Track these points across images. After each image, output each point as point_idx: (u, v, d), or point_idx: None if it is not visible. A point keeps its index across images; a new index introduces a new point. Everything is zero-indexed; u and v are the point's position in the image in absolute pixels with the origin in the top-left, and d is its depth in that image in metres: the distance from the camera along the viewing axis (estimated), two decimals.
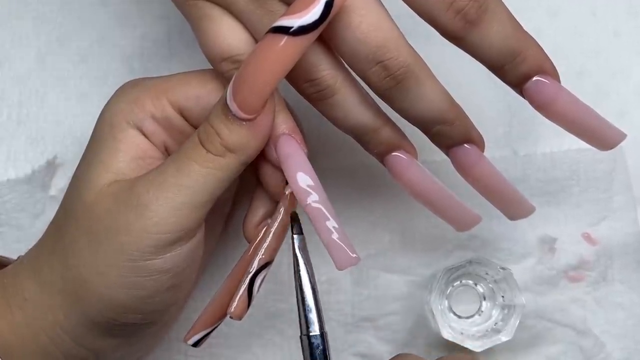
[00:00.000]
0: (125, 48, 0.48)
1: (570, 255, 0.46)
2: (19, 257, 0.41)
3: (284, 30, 0.33)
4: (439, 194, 0.40)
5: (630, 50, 0.48)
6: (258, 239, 0.39)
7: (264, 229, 0.39)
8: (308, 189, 0.36)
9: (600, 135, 0.39)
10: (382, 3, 0.36)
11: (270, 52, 0.34)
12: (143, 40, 0.48)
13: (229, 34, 0.36)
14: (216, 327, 0.39)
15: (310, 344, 0.36)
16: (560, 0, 0.48)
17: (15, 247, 0.46)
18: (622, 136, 0.39)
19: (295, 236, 0.37)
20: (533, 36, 0.48)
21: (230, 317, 0.38)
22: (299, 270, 0.37)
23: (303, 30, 0.33)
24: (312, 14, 0.33)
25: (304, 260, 0.37)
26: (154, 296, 0.37)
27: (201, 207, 0.36)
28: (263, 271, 0.38)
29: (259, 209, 0.40)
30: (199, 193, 0.36)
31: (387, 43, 0.35)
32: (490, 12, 0.35)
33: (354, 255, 0.36)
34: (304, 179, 0.36)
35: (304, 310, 0.37)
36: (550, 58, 0.48)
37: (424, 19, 0.36)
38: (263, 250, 0.38)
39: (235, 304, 0.38)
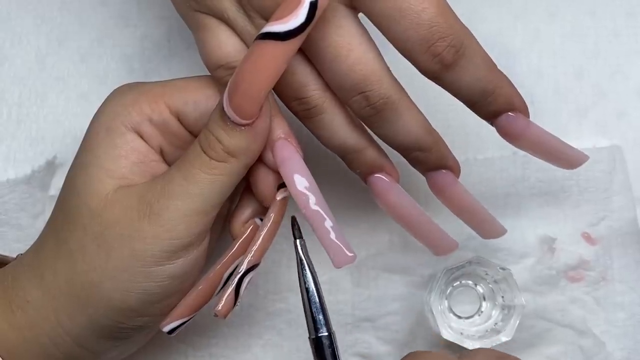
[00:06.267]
0: (125, 48, 0.48)
1: (570, 255, 0.46)
2: (18, 256, 0.41)
3: (272, 35, 0.35)
4: (418, 219, 0.41)
5: (629, 50, 0.48)
6: (244, 238, 0.40)
7: (250, 227, 0.40)
8: (305, 191, 0.38)
9: (565, 160, 0.41)
10: (369, 35, 0.37)
11: (260, 58, 0.35)
12: (143, 40, 0.48)
13: (224, 43, 0.38)
14: (192, 317, 0.39)
15: (321, 345, 0.37)
16: (560, 1, 0.48)
17: (15, 247, 0.46)
18: (585, 158, 0.41)
19: (297, 240, 0.38)
20: (532, 36, 0.49)
21: (216, 316, 0.39)
22: (304, 274, 0.38)
23: (291, 34, 0.35)
24: (297, 18, 0.34)
25: (307, 263, 0.38)
26: (163, 300, 0.38)
27: (210, 211, 0.37)
28: (250, 273, 0.39)
29: (247, 207, 0.41)
30: (207, 199, 0.37)
31: (370, 76, 0.37)
32: (467, 57, 0.37)
33: (351, 254, 0.38)
34: (301, 182, 0.38)
35: (312, 312, 0.38)
36: (550, 59, 0.49)
37: (404, 56, 0.37)
38: (252, 253, 0.39)
39: (222, 303, 0.39)
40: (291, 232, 0.39)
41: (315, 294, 0.38)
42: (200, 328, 0.45)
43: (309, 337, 0.38)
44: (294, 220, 0.39)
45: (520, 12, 0.48)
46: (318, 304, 0.38)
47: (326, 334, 0.37)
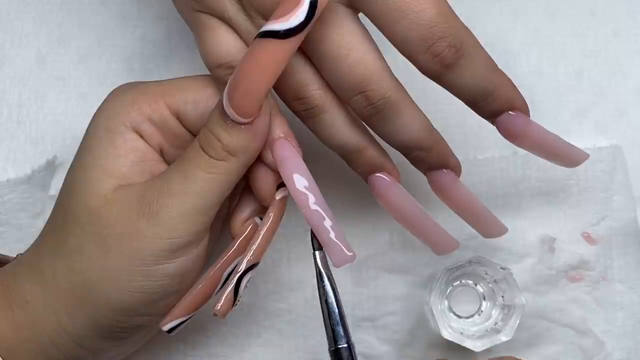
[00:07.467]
0: (125, 48, 0.48)
1: (570, 255, 0.46)
2: (17, 255, 0.41)
3: (272, 34, 0.35)
4: (419, 218, 0.41)
5: (629, 50, 0.48)
6: (243, 237, 0.40)
7: (249, 227, 0.40)
8: (305, 190, 0.38)
9: (566, 158, 0.42)
10: (369, 35, 0.37)
11: (260, 57, 0.35)
12: (143, 40, 0.48)
13: (224, 42, 0.38)
14: (192, 316, 0.39)
15: (340, 356, 0.37)
16: (560, 1, 0.48)
17: (15, 247, 0.46)
18: (586, 156, 0.42)
19: (316, 252, 0.38)
20: (532, 36, 0.49)
21: (215, 315, 0.39)
22: (324, 286, 0.38)
23: (291, 32, 0.35)
24: (297, 17, 0.35)
25: (327, 275, 0.38)
26: (162, 299, 0.38)
27: (209, 210, 0.37)
28: (250, 272, 0.39)
29: (247, 206, 0.41)
30: (206, 198, 0.37)
31: (371, 76, 0.37)
32: (467, 57, 0.37)
33: (351, 253, 0.38)
34: (300, 181, 0.38)
35: (332, 324, 0.38)
36: (550, 59, 0.48)
37: (404, 56, 0.37)
38: (252, 252, 0.39)
39: (221, 302, 0.38)
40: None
41: (335, 306, 0.38)
42: (199, 327, 0.45)
43: (329, 349, 0.38)
44: (313, 233, 0.39)
45: (520, 12, 0.48)
46: (337, 316, 0.38)
47: (345, 345, 0.37)
